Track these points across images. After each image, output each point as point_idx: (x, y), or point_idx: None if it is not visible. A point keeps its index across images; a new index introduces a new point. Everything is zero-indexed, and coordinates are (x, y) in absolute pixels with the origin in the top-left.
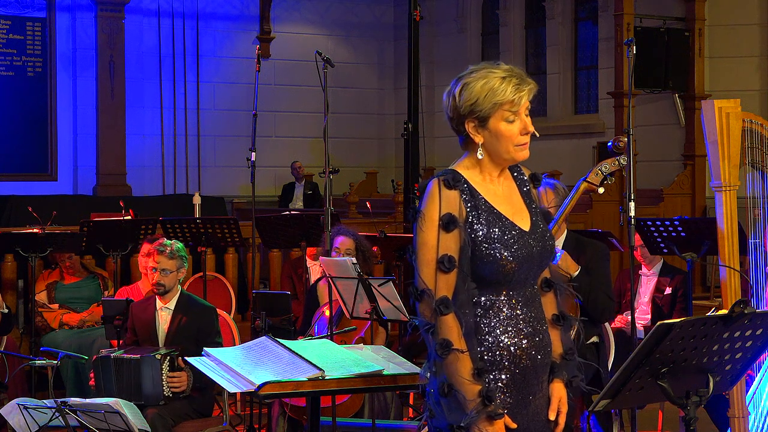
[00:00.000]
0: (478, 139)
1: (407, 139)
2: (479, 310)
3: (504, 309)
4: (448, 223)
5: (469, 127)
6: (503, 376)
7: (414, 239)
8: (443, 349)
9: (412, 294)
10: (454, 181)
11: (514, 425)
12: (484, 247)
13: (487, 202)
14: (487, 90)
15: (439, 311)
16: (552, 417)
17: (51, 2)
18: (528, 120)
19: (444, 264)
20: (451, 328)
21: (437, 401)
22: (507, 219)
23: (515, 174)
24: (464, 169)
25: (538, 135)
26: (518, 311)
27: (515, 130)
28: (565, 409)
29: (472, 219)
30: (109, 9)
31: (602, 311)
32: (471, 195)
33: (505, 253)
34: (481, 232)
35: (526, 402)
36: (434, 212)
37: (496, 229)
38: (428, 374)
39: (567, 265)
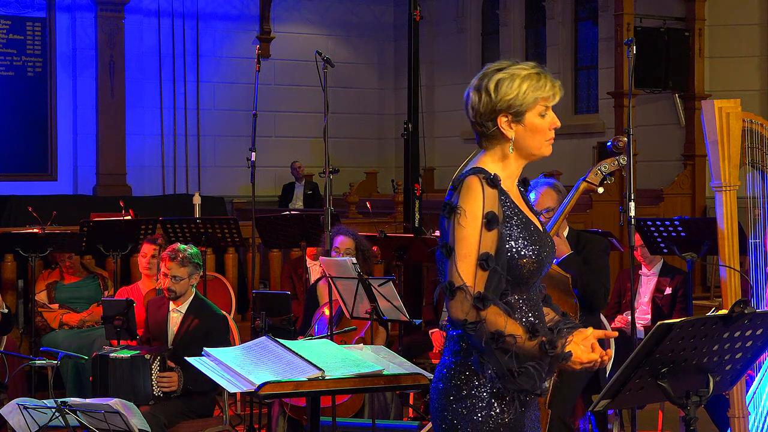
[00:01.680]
0: (510, 134)
1: (407, 139)
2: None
3: (525, 309)
4: (490, 221)
5: (502, 122)
6: None
7: (448, 235)
8: (496, 341)
9: (445, 290)
10: (495, 180)
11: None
12: (517, 246)
13: (515, 204)
14: (527, 85)
15: (477, 308)
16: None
17: (51, 2)
18: (555, 115)
19: (486, 262)
20: (495, 318)
21: (514, 387)
22: (530, 219)
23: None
24: (490, 168)
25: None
26: (534, 311)
27: (546, 125)
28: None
29: (507, 219)
30: (109, 9)
31: (592, 294)
32: (504, 195)
33: (534, 252)
34: (514, 231)
35: (534, 401)
36: (477, 209)
37: (525, 230)
38: (487, 371)
39: (560, 249)
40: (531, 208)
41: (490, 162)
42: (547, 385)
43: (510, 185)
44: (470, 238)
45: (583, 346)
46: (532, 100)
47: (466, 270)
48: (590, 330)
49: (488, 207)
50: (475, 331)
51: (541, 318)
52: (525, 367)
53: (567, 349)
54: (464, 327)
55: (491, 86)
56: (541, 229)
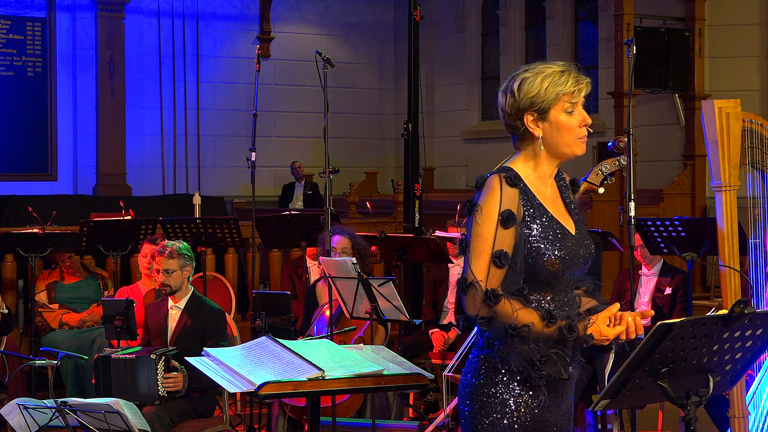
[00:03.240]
0: (538, 132)
1: (407, 139)
2: None
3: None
4: (507, 219)
5: (528, 120)
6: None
7: (468, 232)
8: (512, 335)
9: (460, 286)
10: (516, 179)
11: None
12: (538, 246)
13: (541, 204)
14: (549, 82)
15: (488, 304)
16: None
17: (51, 2)
18: (585, 113)
19: (499, 259)
20: (507, 312)
21: (539, 375)
22: (557, 221)
23: (558, 180)
24: (519, 167)
25: (591, 131)
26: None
27: (575, 122)
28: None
29: (528, 218)
30: (109, 9)
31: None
32: (527, 195)
33: (557, 253)
34: (536, 231)
35: (560, 402)
36: (494, 207)
37: (549, 231)
38: (508, 364)
39: None
40: (570, 209)
41: (521, 162)
42: (574, 370)
43: (541, 185)
44: (485, 236)
45: (607, 323)
46: (553, 96)
47: (480, 267)
48: (615, 306)
49: (505, 205)
50: (487, 326)
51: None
52: (548, 354)
53: (589, 331)
54: (477, 322)
55: (515, 86)
56: (573, 232)
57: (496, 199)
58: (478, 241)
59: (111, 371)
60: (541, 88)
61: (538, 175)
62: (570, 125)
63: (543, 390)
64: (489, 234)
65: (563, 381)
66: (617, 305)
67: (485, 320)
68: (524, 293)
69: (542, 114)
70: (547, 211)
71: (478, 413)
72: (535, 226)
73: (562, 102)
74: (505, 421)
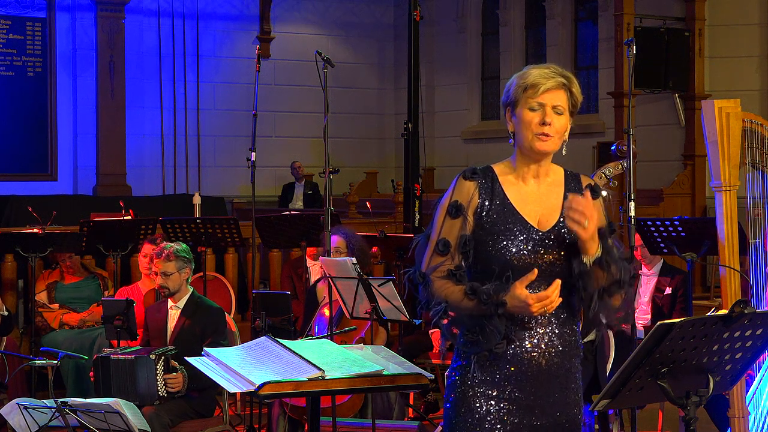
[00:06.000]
0: (510, 126)
1: (407, 139)
2: None
3: None
4: (453, 209)
5: (507, 114)
6: (510, 368)
7: None
8: (436, 313)
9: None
10: (472, 172)
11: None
12: (489, 235)
13: (506, 198)
14: (520, 77)
15: (421, 285)
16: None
17: (51, 2)
18: (554, 116)
19: (439, 246)
20: (435, 291)
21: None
22: (520, 216)
23: (570, 181)
24: (501, 165)
25: (566, 139)
26: None
27: (535, 119)
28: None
29: (482, 208)
30: (109, 9)
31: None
32: (491, 187)
33: (510, 246)
34: (488, 222)
35: (530, 402)
36: (447, 199)
37: (501, 222)
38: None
39: None
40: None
41: (506, 162)
42: (502, 345)
43: (521, 181)
44: (436, 225)
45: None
46: (516, 87)
47: (428, 253)
48: (533, 273)
49: (455, 196)
50: (424, 308)
51: (548, 316)
52: (473, 328)
53: (506, 298)
54: (421, 307)
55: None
56: (542, 229)
57: (451, 192)
58: (433, 230)
59: (111, 371)
60: (514, 83)
61: (517, 173)
62: (529, 120)
63: (509, 392)
64: (438, 223)
65: (543, 376)
66: (535, 272)
67: (420, 303)
68: (455, 274)
69: (514, 109)
70: (510, 204)
71: (451, 411)
72: (487, 215)
73: (526, 98)
74: (477, 422)
